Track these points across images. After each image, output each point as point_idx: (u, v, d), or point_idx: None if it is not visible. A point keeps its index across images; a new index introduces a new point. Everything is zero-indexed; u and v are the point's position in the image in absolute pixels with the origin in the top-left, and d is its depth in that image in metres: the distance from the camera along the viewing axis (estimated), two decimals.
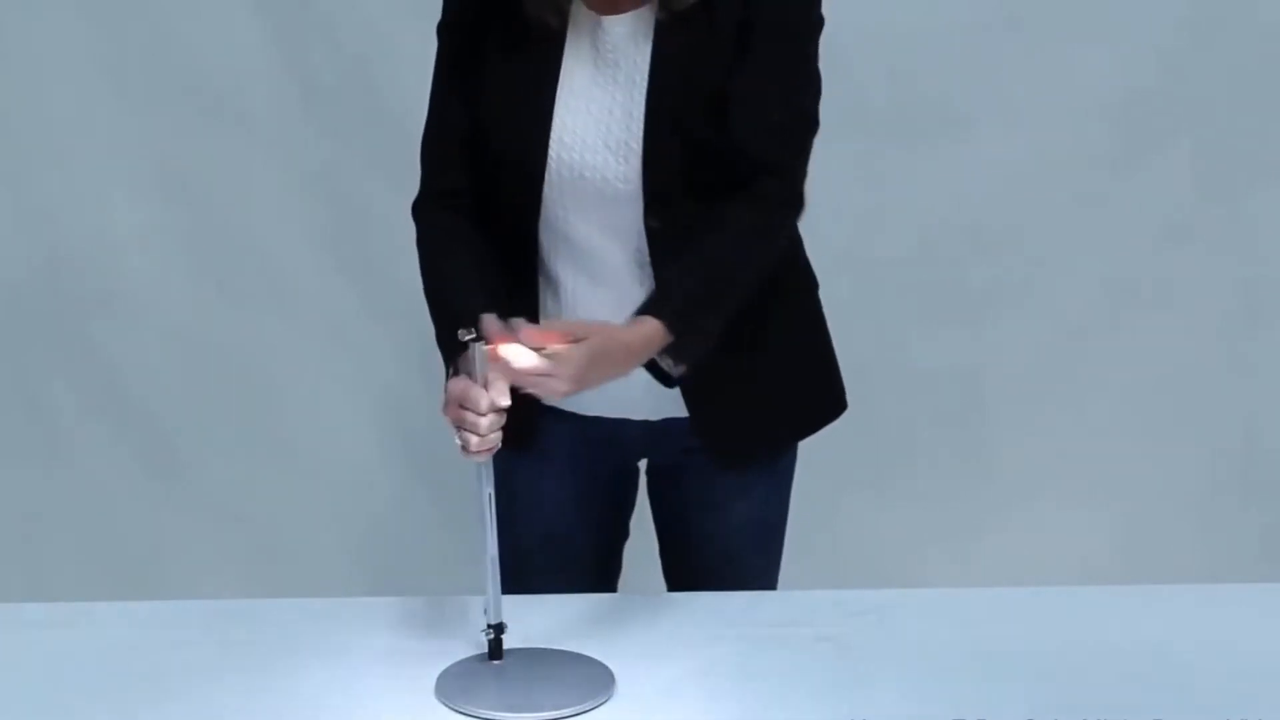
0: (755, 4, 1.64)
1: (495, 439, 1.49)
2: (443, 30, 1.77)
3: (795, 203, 1.71)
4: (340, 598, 1.75)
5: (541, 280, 1.75)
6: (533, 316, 1.73)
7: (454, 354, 1.56)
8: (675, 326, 1.58)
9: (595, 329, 1.55)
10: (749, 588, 1.83)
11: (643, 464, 1.91)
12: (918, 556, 2.92)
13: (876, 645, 1.61)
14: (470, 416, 1.48)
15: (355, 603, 1.72)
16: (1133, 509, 2.95)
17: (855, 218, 2.74)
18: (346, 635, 1.63)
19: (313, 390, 2.92)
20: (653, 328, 1.57)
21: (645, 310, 1.59)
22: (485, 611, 1.56)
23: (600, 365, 1.53)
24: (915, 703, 1.50)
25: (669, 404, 1.74)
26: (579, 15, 1.67)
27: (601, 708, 1.49)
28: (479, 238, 1.72)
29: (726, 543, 1.87)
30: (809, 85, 1.70)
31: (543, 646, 1.59)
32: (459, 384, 1.49)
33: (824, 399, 1.89)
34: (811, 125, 1.70)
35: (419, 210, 1.79)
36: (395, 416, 2.92)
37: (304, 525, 2.95)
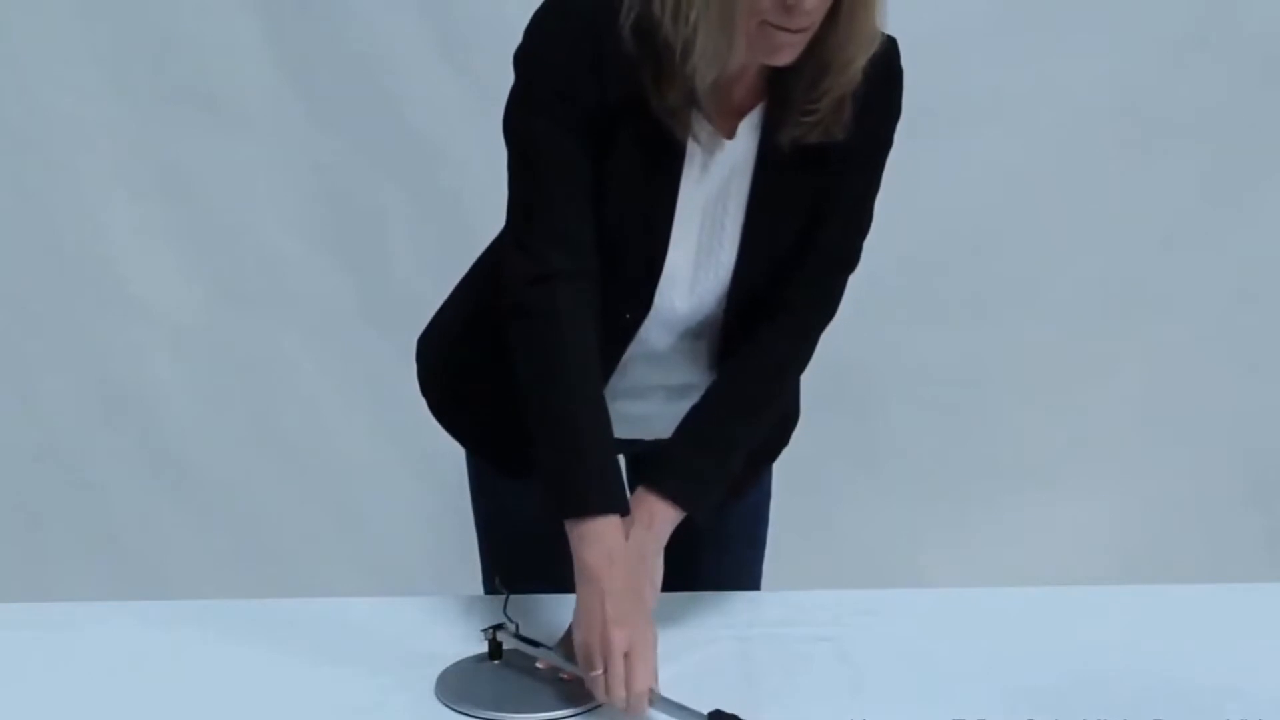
0: (856, 136, 1.57)
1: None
2: (536, 66, 1.54)
3: (808, 354, 1.71)
4: (340, 598, 1.75)
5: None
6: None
7: (576, 511, 1.51)
8: (678, 497, 1.59)
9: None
10: (737, 579, 1.83)
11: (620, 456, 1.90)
12: (917, 556, 2.92)
13: (876, 645, 1.61)
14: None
15: (355, 603, 1.72)
16: (1133, 509, 2.95)
17: None
18: (346, 635, 1.63)
19: (313, 390, 2.92)
20: (655, 508, 1.58)
21: (650, 488, 1.59)
22: (505, 609, 1.57)
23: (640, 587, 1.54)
24: (915, 703, 1.50)
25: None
26: (700, 130, 1.54)
27: (602, 708, 1.49)
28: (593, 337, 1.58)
29: (714, 533, 1.86)
30: (866, 227, 1.69)
31: (543, 646, 1.59)
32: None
33: (786, 426, 1.88)
34: (852, 267, 1.70)
35: (536, 295, 1.54)
36: (395, 417, 2.91)
37: (304, 525, 2.95)
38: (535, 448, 1.54)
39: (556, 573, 1.60)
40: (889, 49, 1.60)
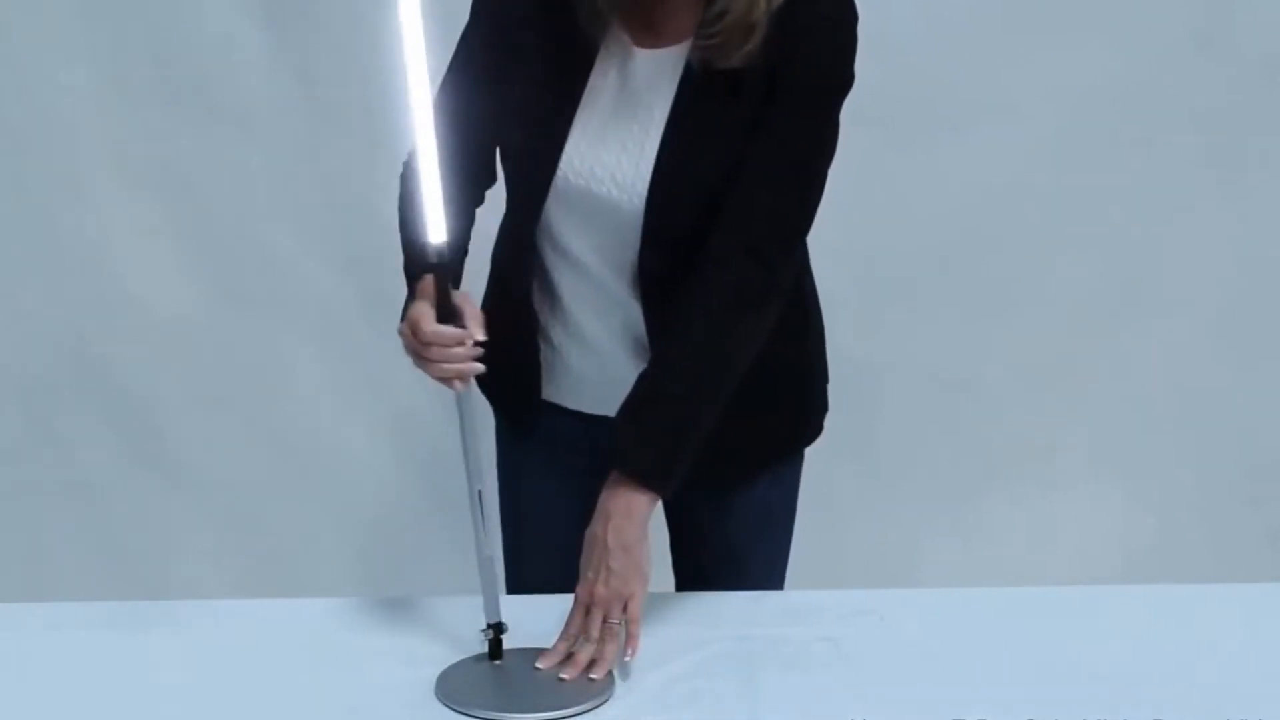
0: (785, 66, 1.61)
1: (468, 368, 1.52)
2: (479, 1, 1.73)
3: (772, 294, 1.68)
4: (340, 598, 1.75)
5: (538, 291, 1.75)
6: (532, 316, 1.75)
7: (417, 279, 1.61)
8: (649, 481, 1.60)
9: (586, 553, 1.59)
10: (757, 582, 1.83)
11: None
12: (918, 556, 2.92)
13: (876, 645, 1.61)
14: (437, 353, 1.50)
15: (355, 603, 1.72)
16: (1134, 509, 2.95)
17: (855, 216, 2.72)
18: (346, 635, 1.63)
19: (313, 390, 2.92)
20: (631, 499, 1.58)
21: (616, 463, 1.60)
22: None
23: (615, 555, 1.57)
24: (915, 703, 1.50)
25: None
26: (613, 41, 1.66)
27: (601, 708, 1.49)
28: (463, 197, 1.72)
29: (735, 536, 1.87)
30: (821, 158, 1.67)
31: (543, 646, 1.59)
32: (426, 321, 1.51)
33: (803, 426, 1.89)
34: (801, 215, 1.68)
35: (404, 180, 1.75)
36: (395, 416, 2.92)
37: (304, 525, 2.95)
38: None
39: (573, 571, 1.61)
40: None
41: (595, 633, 1.55)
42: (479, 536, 1.54)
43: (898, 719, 1.47)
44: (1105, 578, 2.71)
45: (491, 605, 1.56)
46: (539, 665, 1.55)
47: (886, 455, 2.93)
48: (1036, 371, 2.91)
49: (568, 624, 1.58)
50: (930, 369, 2.91)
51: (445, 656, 1.57)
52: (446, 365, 1.51)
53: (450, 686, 1.51)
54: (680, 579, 1.94)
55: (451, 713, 1.48)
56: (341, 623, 1.66)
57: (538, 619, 1.61)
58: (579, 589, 1.59)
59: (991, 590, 1.78)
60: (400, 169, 1.74)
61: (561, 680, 1.52)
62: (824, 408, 1.90)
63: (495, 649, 1.56)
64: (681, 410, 1.61)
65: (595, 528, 1.59)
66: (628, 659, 1.55)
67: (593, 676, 1.52)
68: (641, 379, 1.64)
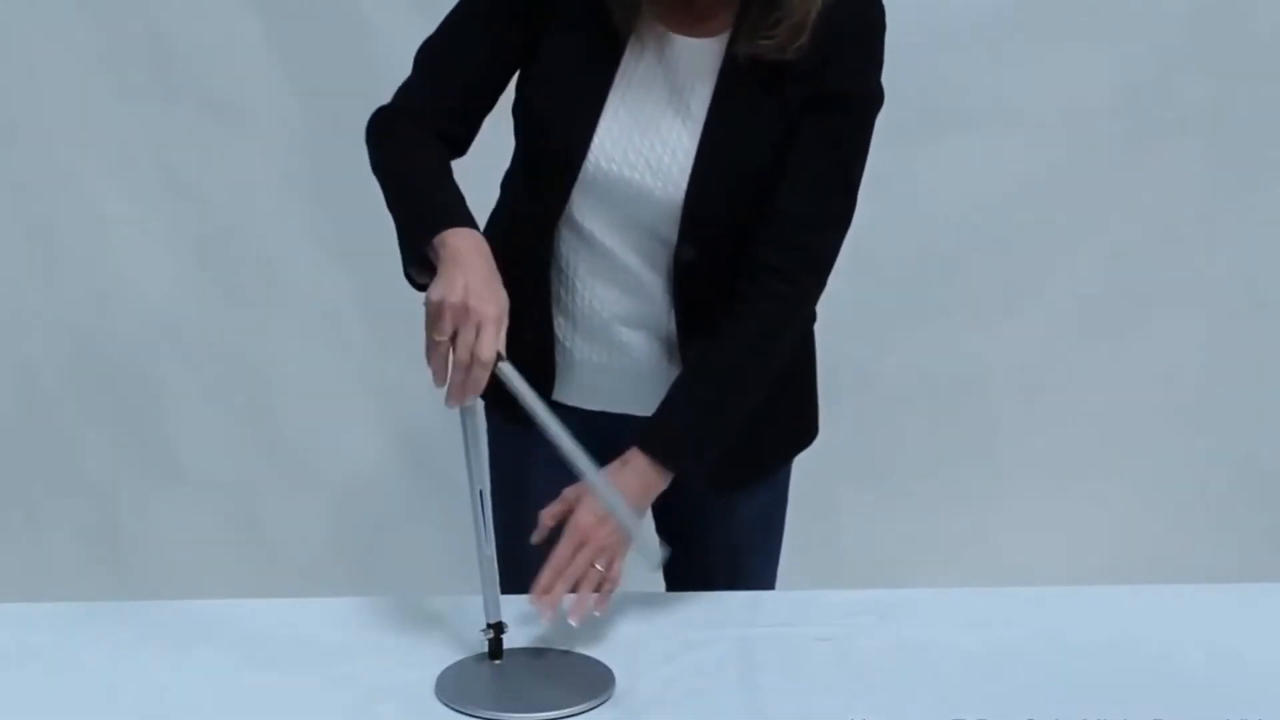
0: (827, 82, 1.62)
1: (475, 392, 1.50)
2: None
3: (812, 301, 1.73)
4: (340, 597, 1.75)
5: (554, 274, 1.74)
6: (543, 308, 1.74)
7: (419, 249, 1.57)
8: (672, 463, 1.63)
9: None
10: (748, 585, 1.83)
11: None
12: (918, 556, 2.92)
13: (876, 645, 1.61)
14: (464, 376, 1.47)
15: (355, 603, 1.72)
16: (1134, 509, 2.95)
17: (857, 218, 2.73)
18: (346, 635, 1.63)
19: (313, 390, 2.92)
20: (650, 474, 1.62)
21: (642, 443, 1.62)
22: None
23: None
24: (915, 703, 1.50)
25: None
26: (645, 26, 1.64)
27: (601, 708, 1.49)
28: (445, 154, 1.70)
29: (727, 540, 1.87)
30: (859, 167, 1.69)
31: (543, 646, 1.59)
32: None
33: (801, 429, 1.90)
34: (845, 224, 1.71)
35: (385, 118, 1.74)
36: (395, 416, 2.92)
37: (304, 525, 2.95)
38: (397, 226, 1.64)
39: None
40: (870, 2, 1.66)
41: (581, 571, 1.56)
42: (479, 536, 1.54)
43: (898, 719, 1.47)
44: (1105, 578, 2.70)
45: (491, 605, 1.56)
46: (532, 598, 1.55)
47: (887, 455, 2.93)
48: (1037, 372, 2.91)
49: (556, 554, 1.58)
50: (930, 370, 2.91)
51: (445, 656, 1.57)
52: (460, 379, 1.47)
53: (450, 686, 1.51)
54: (679, 581, 1.93)
55: (451, 713, 1.47)
56: (341, 623, 1.66)
57: (538, 619, 1.61)
58: (580, 517, 1.58)
59: (992, 590, 1.78)
60: (372, 133, 1.77)
61: (563, 680, 1.52)
62: (817, 409, 1.91)
63: (495, 649, 1.56)
64: (722, 410, 1.66)
65: (629, 480, 1.61)
66: (597, 614, 1.57)
67: (571, 622, 1.54)
68: (683, 378, 1.67)
